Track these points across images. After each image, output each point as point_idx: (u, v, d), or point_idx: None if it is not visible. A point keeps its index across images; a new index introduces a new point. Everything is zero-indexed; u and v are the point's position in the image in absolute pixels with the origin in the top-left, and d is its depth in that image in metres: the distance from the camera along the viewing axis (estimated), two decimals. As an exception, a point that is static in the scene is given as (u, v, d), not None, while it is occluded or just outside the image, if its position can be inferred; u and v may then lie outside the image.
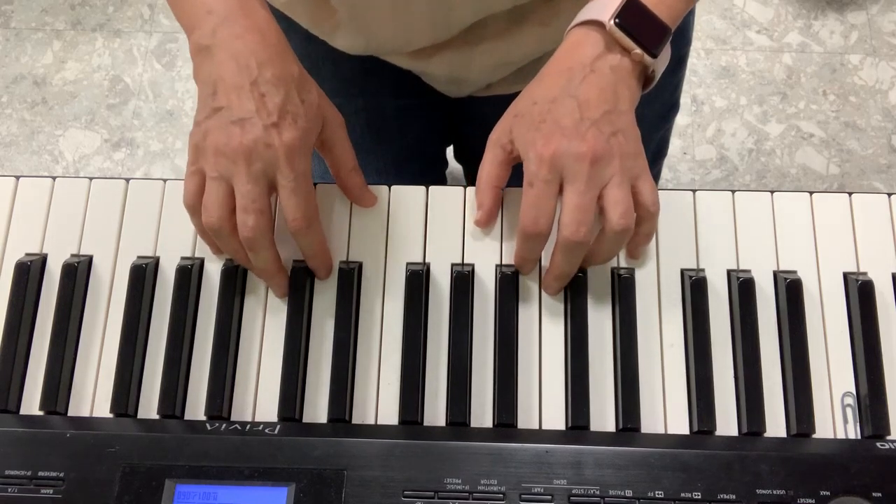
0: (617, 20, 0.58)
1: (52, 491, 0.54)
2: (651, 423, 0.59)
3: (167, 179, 0.66)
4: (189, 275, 0.62)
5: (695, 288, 0.61)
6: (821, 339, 0.61)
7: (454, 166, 1.14)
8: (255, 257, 0.59)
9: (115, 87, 1.82)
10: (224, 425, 0.56)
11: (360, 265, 0.63)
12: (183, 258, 0.64)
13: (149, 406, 0.60)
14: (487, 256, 0.63)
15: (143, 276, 0.62)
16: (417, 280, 0.62)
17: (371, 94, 0.88)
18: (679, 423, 0.59)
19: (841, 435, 0.59)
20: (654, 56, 0.60)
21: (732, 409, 0.59)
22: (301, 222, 0.57)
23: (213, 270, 0.63)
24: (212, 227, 0.57)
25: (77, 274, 0.62)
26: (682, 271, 0.63)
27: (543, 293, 0.62)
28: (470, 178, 1.13)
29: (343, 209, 0.65)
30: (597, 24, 0.59)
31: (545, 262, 0.62)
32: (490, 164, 0.61)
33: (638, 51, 0.59)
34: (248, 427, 0.56)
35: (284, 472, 0.54)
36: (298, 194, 0.57)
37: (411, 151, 0.97)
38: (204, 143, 0.57)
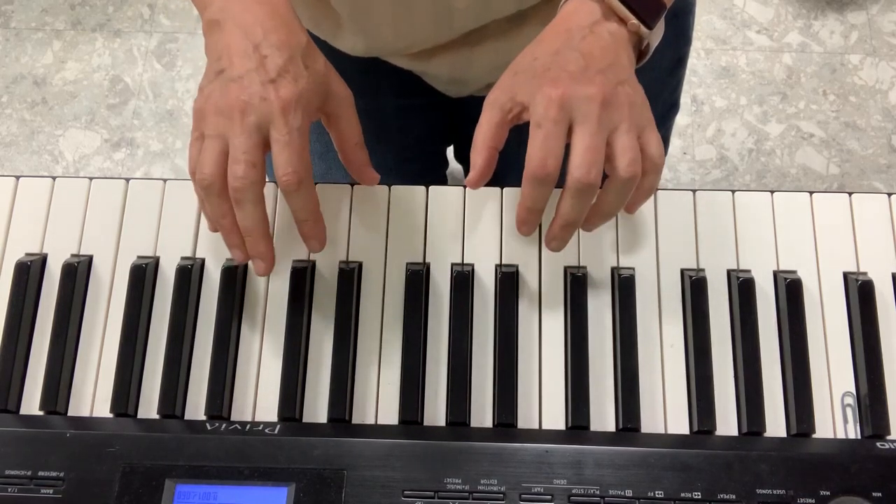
0: None
1: (52, 491, 0.54)
2: (651, 423, 0.59)
3: (167, 179, 0.66)
4: (189, 275, 0.62)
5: (695, 288, 0.61)
6: (821, 339, 0.61)
7: (454, 166, 1.14)
8: (241, 213, 0.57)
9: (115, 87, 1.82)
10: (224, 425, 0.56)
11: (360, 265, 0.63)
12: (183, 258, 0.64)
13: (149, 406, 0.60)
14: (487, 256, 0.63)
15: (143, 276, 0.62)
16: (417, 280, 0.62)
17: (371, 94, 0.88)
18: (679, 423, 0.59)
19: (841, 435, 0.59)
20: (650, 28, 0.59)
21: (732, 409, 0.59)
22: (292, 177, 0.56)
23: (213, 270, 0.63)
24: (203, 182, 0.56)
25: (77, 274, 0.62)
26: (682, 271, 0.63)
27: (543, 295, 0.62)
28: (470, 178, 1.12)
29: (343, 209, 0.65)
30: None
31: (545, 227, 0.62)
32: (487, 125, 0.59)
33: (634, 21, 0.58)
34: (248, 427, 0.56)
35: (284, 472, 0.54)
36: (291, 149, 0.56)
37: (412, 151, 0.98)
38: (205, 106, 0.57)
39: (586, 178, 0.55)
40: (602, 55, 0.57)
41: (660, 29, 0.61)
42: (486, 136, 0.59)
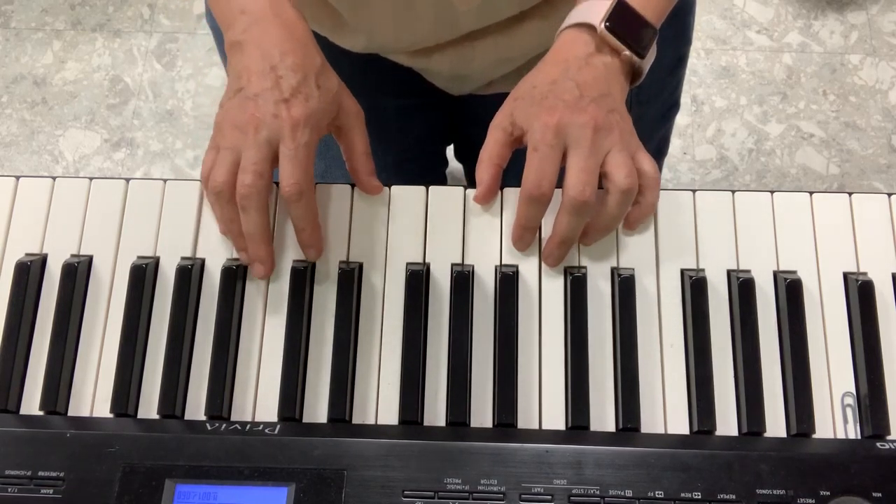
0: (607, 24, 0.61)
1: (52, 491, 0.54)
2: (651, 423, 0.59)
3: (167, 179, 0.66)
4: (189, 275, 0.62)
5: (695, 288, 0.61)
6: (821, 339, 0.61)
7: (454, 166, 1.14)
8: (245, 219, 0.60)
9: (115, 87, 1.82)
10: (224, 425, 0.56)
11: (360, 265, 0.63)
12: (183, 258, 0.64)
13: (149, 406, 0.60)
14: (487, 256, 0.63)
15: (143, 276, 0.62)
16: (417, 280, 0.62)
17: (372, 93, 0.88)
18: (679, 423, 0.59)
19: (841, 435, 0.59)
20: (642, 57, 0.62)
21: (732, 409, 0.59)
22: (294, 188, 0.59)
23: (214, 270, 0.63)
24: (215, 189, 0.60)
25: (77, 274, 0.62)
26: (682, 271, 0.63)
27: (543, 295, 0.62)
28: (470, 178, 1.12)
29: (343, 209, 0.65)
30: (588, 27, 0.62)
31: (544, 238, 0.63)
32: (492, 144, 0.63)
33: (627, 52, 0.61)
34: (248, 427, 0.56)
35: (284, 472, 0.54)
36: (296, 162, 0.59)
37: (412, 151, 0.98)
38: (223, 121, 0.60)
39: (581, 196, 0.58)
40: (595, 85, 0.60)
41: (651, 54, 0.64)
42: (491, 153, 0.63)
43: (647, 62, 0.64)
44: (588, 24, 0.61)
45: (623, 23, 0.61)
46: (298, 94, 0.59)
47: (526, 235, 0.62)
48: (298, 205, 0.60)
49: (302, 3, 0.78)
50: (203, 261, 0.64)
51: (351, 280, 0.62)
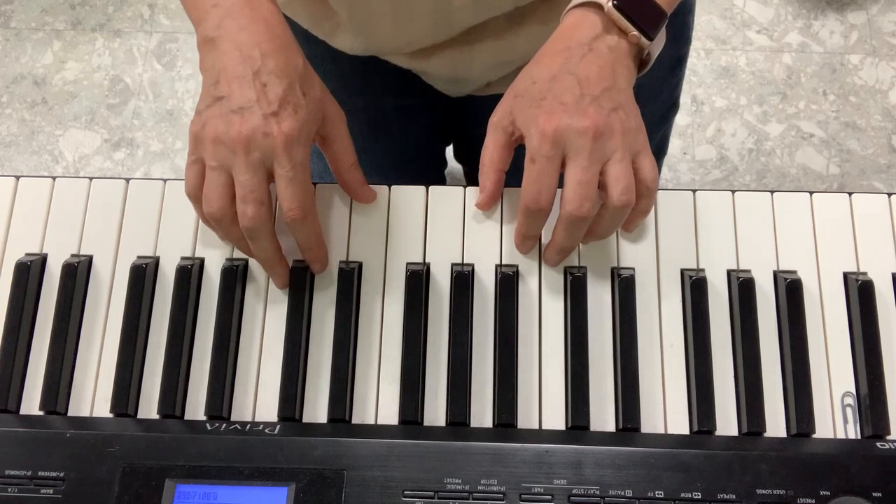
0: (615, 2, 0.58)
1: (52, 491, 0.54)
2: (651, 423, 0.59)
3: (167, 179, 0.66)
4: (189, 275, 0.62)
5: (695, 288, 0.61)
6: (821, 339, 0.61)
7: (454, 166, 1.14)
8: (255, 247, 0.59)
9: (115, 87, 1.82)
10: (224, 425, 0.56)
11: (360, 265, 0.63)
12: (183, 258, 0.64)
13: (149, 406, 0.60)
14: (487, 256, 0.63)
15: (143, 276, 0.62)
16: (417, 280, 0.62)
17: (371, 94, 0.88)
18: (679, 423, 0.59)
19: (841, 435, 0.59)
20: (651, 39, 0.60)
21: (732, 409, 0.59)
22: (297, 213, 0.57)
23: (213, 270, 0.63)
24: (213, 216, 0.58)
25: (77, 274, 0.62)
26: (682, 271, 0.63)
27: (543, 294, 0.62)
28: (470, 178, 1.13)
29: (343, 209, 0.65)
30: (595, 6, 0.60)
31: (545, 239, 0.62)
32: (493, 147, 0.61)
33: (635, 33, 0.59)
34: (248, 427, 0.56)
35: (284, 472, 0.54)
36: (295, 184, 0.57)
37: (411, 151, 0.98)
38: (203, 133, 0.57)
39: (578, 211, 0.57)
40: (598, 78, 0.58)
41: (661, 39, 0.62)
42: (492, 158, 0.61)
43: (657, 47, 0.62)
44: (595, 2, 0.59)
45: (631, 2, 0.58)
46: (287, 104, 0.56)
47: (527, 242, 0.62)
48: (303, 227, 0.59)
49: (300, 5, 0.78)
50: (203, 261, 0.64)
51: (351, 280, 0.62)
